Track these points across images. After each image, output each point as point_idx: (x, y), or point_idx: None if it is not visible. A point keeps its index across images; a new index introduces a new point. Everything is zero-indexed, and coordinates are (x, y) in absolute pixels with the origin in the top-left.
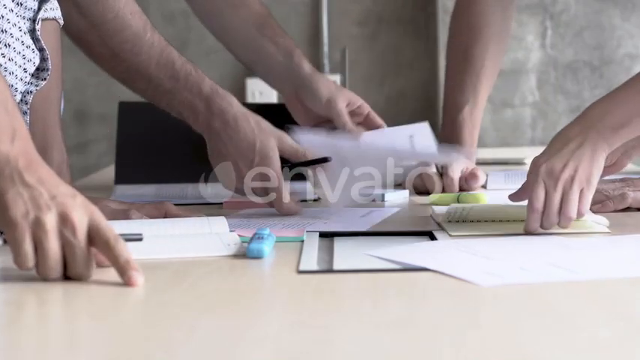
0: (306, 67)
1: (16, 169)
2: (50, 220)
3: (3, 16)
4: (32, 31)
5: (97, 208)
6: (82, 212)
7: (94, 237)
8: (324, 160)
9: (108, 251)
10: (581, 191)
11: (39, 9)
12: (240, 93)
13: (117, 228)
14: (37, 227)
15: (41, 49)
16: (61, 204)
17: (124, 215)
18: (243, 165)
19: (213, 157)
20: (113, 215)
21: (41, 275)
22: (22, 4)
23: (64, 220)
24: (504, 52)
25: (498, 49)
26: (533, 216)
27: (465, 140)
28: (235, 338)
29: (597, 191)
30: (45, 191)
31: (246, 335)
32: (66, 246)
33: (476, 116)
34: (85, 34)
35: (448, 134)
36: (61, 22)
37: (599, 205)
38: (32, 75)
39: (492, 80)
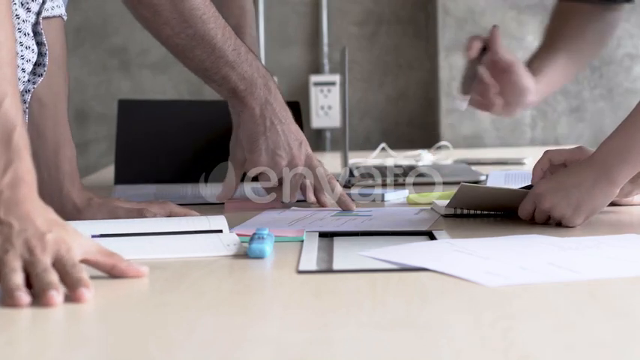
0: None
1: None
2: (13, 256)
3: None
4: (35, 24)
5: (110, 208)
6: (49, 248)
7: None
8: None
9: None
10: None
11: (43, 2)
12: None
13: (125, 228)
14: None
15: (40, 44)
16: (27, 240)
17: (138, 214)
18: (284, 148)
19: (253, 135)
20: (128, 215)
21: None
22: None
23: (30, 253)
24: (588, 55)
25: (579, 48)
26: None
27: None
28: (235, 338)
29: None
30: (18, 227)
31: (246, 335)
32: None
33: (542, 68)
34: None
35: None
36: (65, 18)
37: None
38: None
39: (571, 61)
